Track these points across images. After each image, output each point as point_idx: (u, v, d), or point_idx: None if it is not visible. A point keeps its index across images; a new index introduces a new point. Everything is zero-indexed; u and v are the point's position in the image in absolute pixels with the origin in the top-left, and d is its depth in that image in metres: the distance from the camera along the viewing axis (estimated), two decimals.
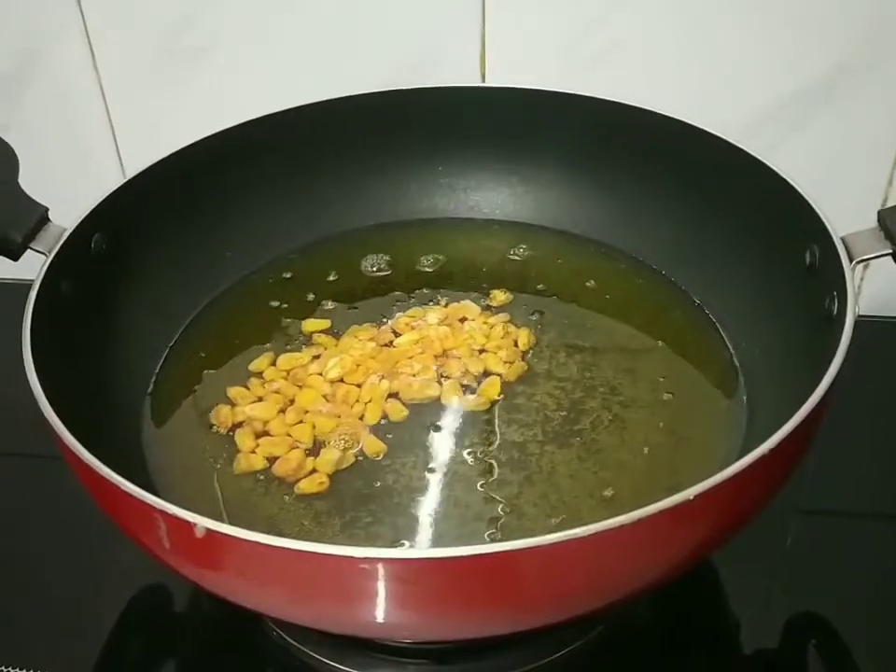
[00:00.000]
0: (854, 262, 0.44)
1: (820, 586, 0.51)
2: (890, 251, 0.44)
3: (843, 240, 0.45)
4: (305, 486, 0.47)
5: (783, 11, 0.60)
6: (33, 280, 0.46)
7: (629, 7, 0.61)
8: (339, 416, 0.50)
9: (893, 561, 0.53)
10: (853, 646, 0.49)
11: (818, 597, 0.51)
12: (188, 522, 0.34)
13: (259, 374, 0.53)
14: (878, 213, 0.46)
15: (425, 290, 0.59)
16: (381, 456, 0.48)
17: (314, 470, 0.47)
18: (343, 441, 0.48)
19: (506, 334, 0.55)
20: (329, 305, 0.58)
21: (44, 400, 0.39)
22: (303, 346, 0.55)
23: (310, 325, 0.56)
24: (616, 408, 0.50)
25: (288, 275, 0.60)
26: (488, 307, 0.57)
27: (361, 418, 0.50)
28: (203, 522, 0.33)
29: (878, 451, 0.59)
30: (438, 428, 0.49)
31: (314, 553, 0.33)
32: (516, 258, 0.61)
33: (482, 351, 0.54)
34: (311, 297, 0.58)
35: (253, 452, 0.49)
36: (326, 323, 0.56)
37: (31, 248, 0.48)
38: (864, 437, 0.59)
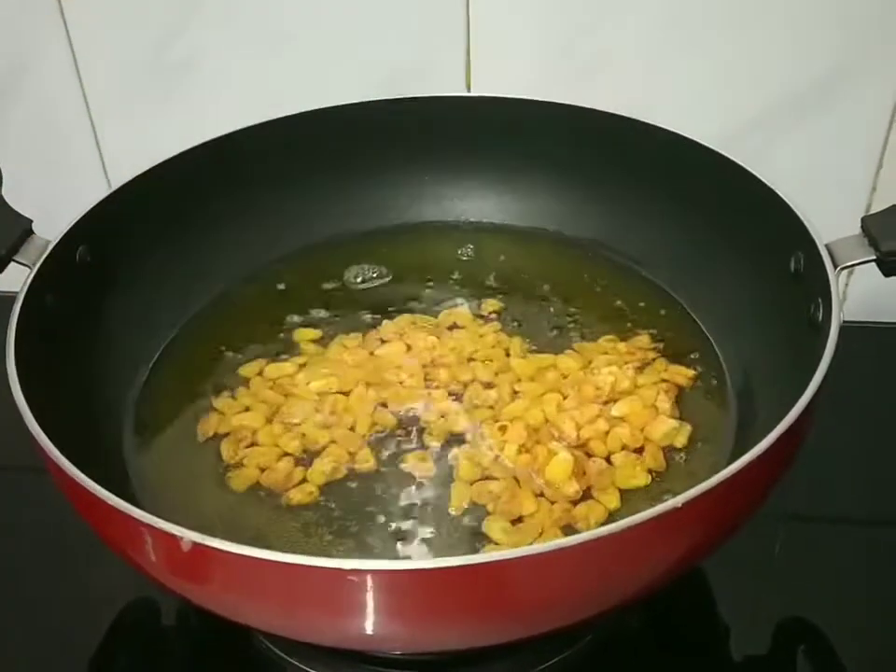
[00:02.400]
0: (838, 269, 0.45)
1: (809, 591, 0.51)
2: (874, 257, 0.45)
3: (827, 247, 0.45)
4: (294, 497, 0.46)
5: (769, 22, 0.60)
6: (17, 293, 0.45)
7: (615, 18, 0.61)
8: (329, 427, 0.50)
9: (882, 566, 0.53)
10: (842, 650, 0.49)
11: (806, 602, 0.51)
12: (174, 535, 0.33)
13: (247, 383, 0.53)
14: (862, 220, 0.46)
15: (413, 298, 0.59)
16: (371, 468, 0.48)
17: (303, 481, 0.47)
18: (335, 455, 0.48)
19: (497, 343, 0.55)
20: (317, 314, 0.58)
21: (28, 413, 0.39)
22: (291, 356, 0.55)
23: (301, 334, 0.56)
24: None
25: (276, 285, 0.60)
26: (479, 315, 0.57)
27: (352, 429, 0.50)
28: (189, 535, 0.33)
29: (866, 455, 0.59)
30: (427, 437, 0.49)
31: (302, 565, 0.32)
32: (505, 265, 0.61)
33: (471, 360, 0.54)
34: (298, 306, 0.58)
35: (241, 464, 0.48)
36: (317, 333, 0.56)
37: (15, 261, 0.47)
38: (852, 442, 0.60)
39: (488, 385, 0.52)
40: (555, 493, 0.45)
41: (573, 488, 0.45)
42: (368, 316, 0.57)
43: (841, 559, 0.53)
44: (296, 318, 0.57)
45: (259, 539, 0.45)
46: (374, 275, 0.61)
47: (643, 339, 0.55)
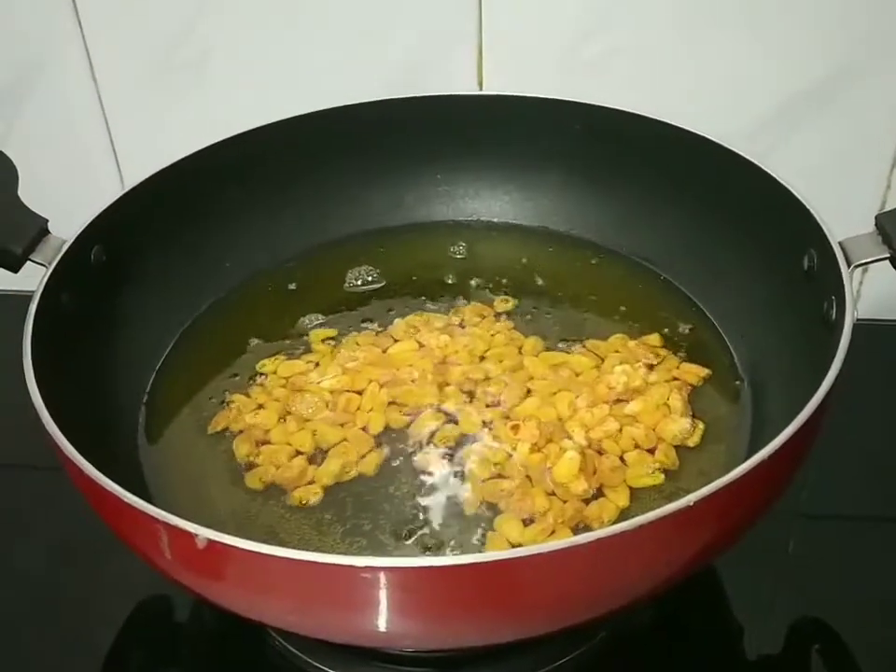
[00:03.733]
0: (852, 267, 0.44)
1: (823, 590, 0.51)
2: (888, 255, 0.44)
3: (840, 244, 0.45)
4: (300, 496, 0.46)
5: (780, 17, 0.60)
6: (33, 292, 0.46)
7: (625, 14, 0.61)
8: (341, 426, 0.50)
9: None
10: (856, 650, 0.48)
11: (821, 602, 0.51)
12: (189, 532, 0.34)
13: (260, 381, 0.53)
14: (876, 217, 0.46)
15: (425, 296, 0.59)
16: (383, 467, 0.48)
17: (311, 481, 0.47)
18: (344, 456, 0.48)
19: (510, 341, 0.55)
20: (330, 312, 0.58)
21: (45, 412, 0.39)
22: (304, 354, 0.55)
23: (315, 334, 0.56)
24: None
25: (287, 283, 0.60)
26: (491, 313, 0.57)
27: (364, 428, 0.50)
28: (204, 532, 0.33)
29: (880, 453, 0.59)
30: (439, 436, 0.49)
31: (315, 562, 0.33)
32: (517, 264, 0.61)
33: (483, 358, 0.54)
34: (311, 304, 0.58)
35: (256, 463, 0.48)
36: (330, 332, 0.56)
37: (31, 260, 0.48)
38: (866, 439, 0.59)
39: (501, 384, 0.52)
40: (565, 491, 0.45)
41: (582, 486, 0.45)
42: (379, 315, 0.58)
43: (855, 558, 0.53)
44: (308, 316, 0.58)
45: (272, 536, 0.45)
46: (387, 273, 0.61)
47: (654, 337, 0.55)
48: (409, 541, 0.44)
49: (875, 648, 0.49)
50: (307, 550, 0.33)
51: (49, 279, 0.47)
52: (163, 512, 0.34)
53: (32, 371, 0.41)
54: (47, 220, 0.49)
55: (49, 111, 0.70)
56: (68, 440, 0.38)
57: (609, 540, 0.33)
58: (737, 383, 0.52)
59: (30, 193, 0.50)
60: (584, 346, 0.54)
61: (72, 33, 0.66)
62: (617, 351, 0.53)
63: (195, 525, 0.34)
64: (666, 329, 0.55)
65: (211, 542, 0.33)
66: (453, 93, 0.60)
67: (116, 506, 0.36)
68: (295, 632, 0.41)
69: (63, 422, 0.39)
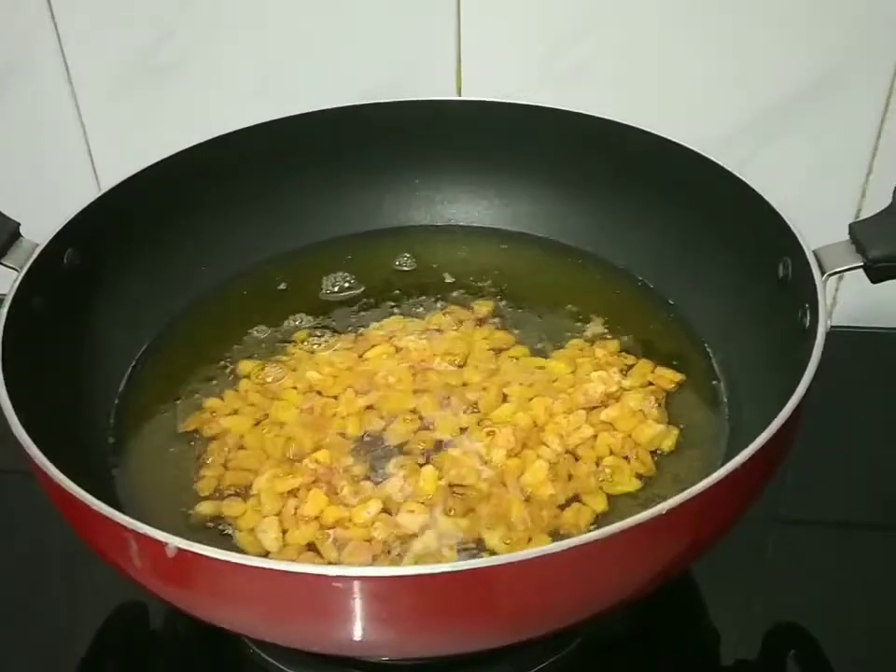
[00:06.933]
0: (826, 275, 0.45)
1: (799, 596, 0.51)
2: (861, 264, 0.45)
3: (815, 253, 0.45)
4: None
5: (756, 27, 0.60)
6: (4, 295, 0.45)
7: (604, 22, 0.61)
8: (318, 431, 0.49)
9: (872, 570, 0.53)
10: (832, 656, 0.49)
11: (797, 607, 0.51)
12: (158, 541, 0.33)
13: (235, 386, 0.53)
14: (850, 226, 0.46)
15: (403, 301, 0.59)
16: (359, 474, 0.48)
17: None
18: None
19: (490, 346, 0.54)
20: (305, 316, 0.58)
21: (14, 418, 0.39)
22: (280, 359, 0.54)
23: (293, 339, 0.56)
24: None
25: (265, 287, 0.60)
26: (470, 318, 0.57)
27: (341, 434, 0.49)
28: (174, 541, 0.33)
29: (855, 459, 0.59)
30: (415, 441, 0.49)
31: (287, 571, 0.32)
32: (495, 269, 0.61)
33: (460, 363, 0.53)
34: (287, 308, 0.58)
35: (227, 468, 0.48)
36: (306, 336, 0.56)
37: (2, 264, 0.47)
38: (841, 445, 0.60)
39: (477, 389, 0.51)
40: (539, 498, 0.45)
41: (549, 491, 0.45)
42: (357, 319, 0.57)
43: (831, 563, 0.53)
44: (285, 321, 0.57)
45: None
46: (364, 278, 0.60)
47: (630, 343, 0.55)
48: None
49: (851, 653, 0.49)
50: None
51: (20, 283, 0.46)
52: (132, 520, 0.34)
53: (1, 376, 0.41)
54: (19, 224, 0.48)
55: (23, 113, 0.69)
56: (37, 445, 0.38)
57: (584, 548, 0.33)
58: (714, 389, 0.52)
59: (2, 196, 0.49)
60: (560, 352, 0.54)
61: (47, 34, 0.65)
62: (593, 357, 0.53)
63: (165, 534, 0.33)
64: (642, 335, 0.55)
65: (181, 551, 0.33)
66: (431, 99, 0.60)
67: (84, 514, 0.36)
68: (269, 641, 0.40)
69: (32, 428, 0.39)
